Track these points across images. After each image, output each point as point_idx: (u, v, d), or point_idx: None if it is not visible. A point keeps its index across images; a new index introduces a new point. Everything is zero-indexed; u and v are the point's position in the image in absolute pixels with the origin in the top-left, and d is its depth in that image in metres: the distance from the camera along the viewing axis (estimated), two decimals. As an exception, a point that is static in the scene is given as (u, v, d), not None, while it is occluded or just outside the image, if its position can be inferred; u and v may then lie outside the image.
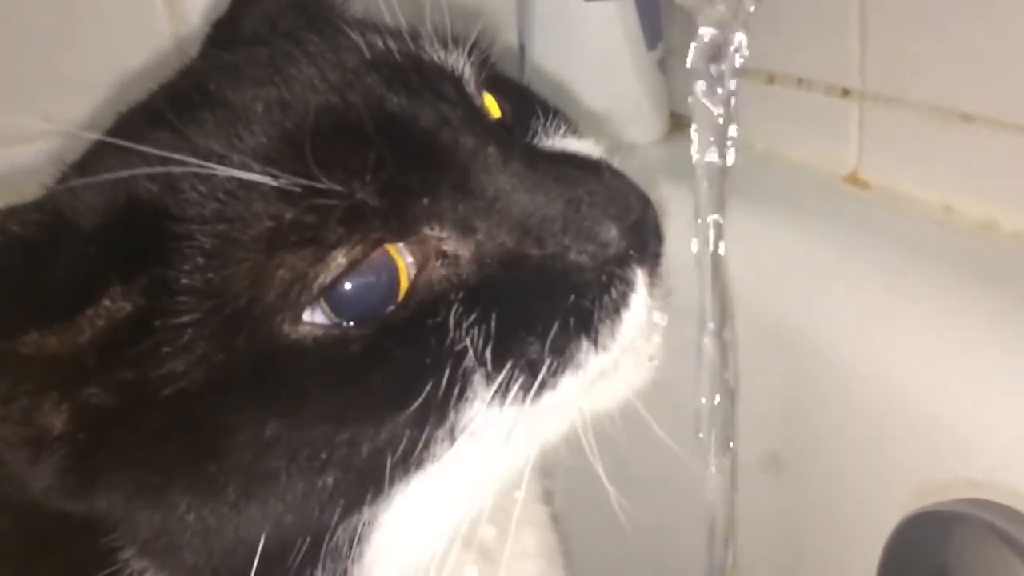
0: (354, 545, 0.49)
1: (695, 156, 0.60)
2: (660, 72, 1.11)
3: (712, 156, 0.61)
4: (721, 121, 0.58)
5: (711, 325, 0.60)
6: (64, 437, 0.47)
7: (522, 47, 1.10)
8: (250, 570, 0.47)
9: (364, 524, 0.48)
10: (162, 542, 0.49)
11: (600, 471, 0.51)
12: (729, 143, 0.60)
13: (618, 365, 0.51)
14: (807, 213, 0.87)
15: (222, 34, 0.64)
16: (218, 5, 0.68)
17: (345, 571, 0.49)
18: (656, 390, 0.53)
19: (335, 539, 0.48)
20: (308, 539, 0.48)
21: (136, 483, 0.48)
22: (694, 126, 0.61)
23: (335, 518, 0.48)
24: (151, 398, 0.46)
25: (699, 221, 0.59)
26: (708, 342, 0.60)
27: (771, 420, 0.79)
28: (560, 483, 0.70)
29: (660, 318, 0.52)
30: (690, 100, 0.60)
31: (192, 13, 0.96)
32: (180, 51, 0.96)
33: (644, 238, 0.51)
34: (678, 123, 1.12)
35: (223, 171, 0.46)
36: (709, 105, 0.59)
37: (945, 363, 0.68)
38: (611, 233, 0.49)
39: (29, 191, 0.51)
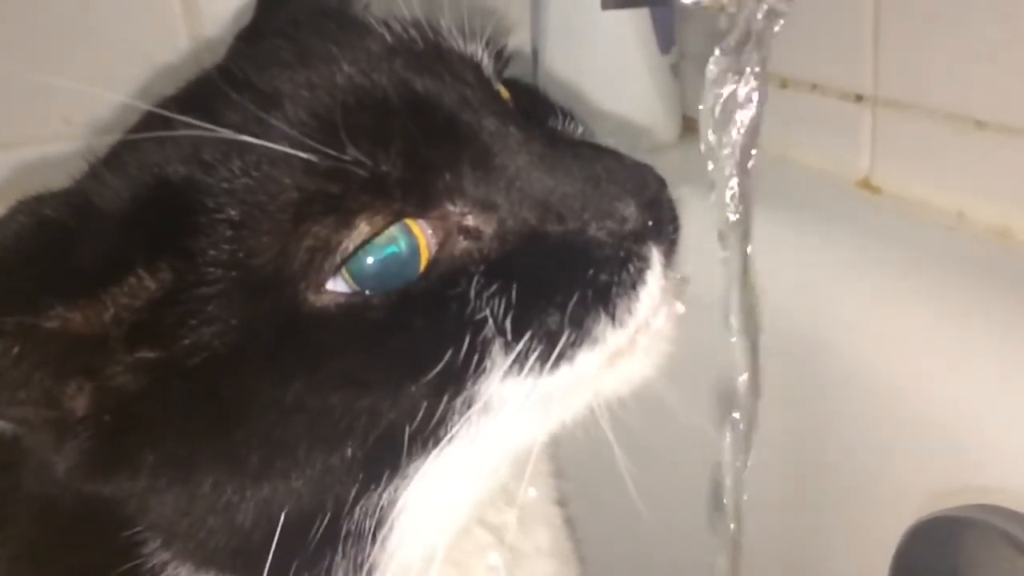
0: (375, 529, 0.49)
1: (710, 165, 0.61)
2: (673, 76, 1.11)
3: (726, 162, 0.61)
4: (735, 131, 0.59)
5: (733, 323, 0.60)
6: (88, 419, 0.48)
7: (535, 52, 1.10)
8: (268, 553, 0.48)
9: (385, 507, 0.49)
10: (185, 524, 0.49)
11: (618, 456, 0.51)
12: (745, 150, 0.60)
13: (634, 345, 0.51)
14: (819, 218, 0.87)
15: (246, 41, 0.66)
16: (241, 13, 0.69)
17: (366, 558, 0.50)
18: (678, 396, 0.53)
19: (354, 520, 0.49)
20: (327, 517, 0.48)
21: (162, 459, 0.49)
22: (705, 131, 0.61)
23: (352, 493, 0.48)
24: (176, 371, 0.47)
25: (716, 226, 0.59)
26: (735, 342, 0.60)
27: (782, 424, 0.79)
28: (574, 487, 0.70)
29: (678, 306, 0.53)
30: (701, 108, 0.61)
31: (209, 17, 0.97)
32: (197, 55, 0.96)
33: (660, 216, 0.51)
34: (691, 127, 1.12)
35: (250, 142, 0.47)
36: (721, 113, 0.59)
37: (957, 368, 0.68)
38: (629, 208, 0.50)
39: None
